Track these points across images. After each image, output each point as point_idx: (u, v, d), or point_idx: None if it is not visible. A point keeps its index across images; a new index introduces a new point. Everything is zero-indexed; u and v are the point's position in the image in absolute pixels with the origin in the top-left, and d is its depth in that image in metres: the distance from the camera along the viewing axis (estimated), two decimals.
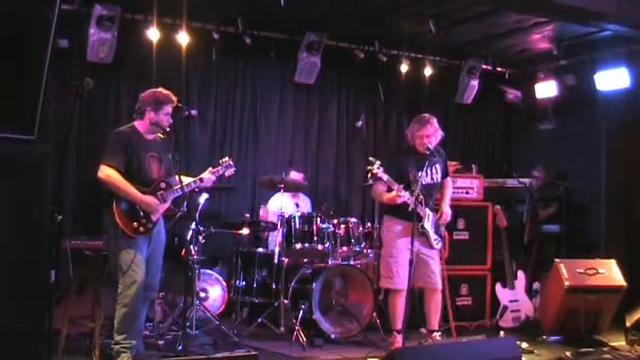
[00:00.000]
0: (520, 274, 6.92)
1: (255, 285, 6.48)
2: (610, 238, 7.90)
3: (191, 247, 5.83)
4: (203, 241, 6.15)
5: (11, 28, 3.31)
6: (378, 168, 5.17)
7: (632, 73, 7.58)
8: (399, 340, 5.39)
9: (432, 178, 5.63)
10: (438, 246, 5.67)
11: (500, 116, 9.42)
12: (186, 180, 5.03)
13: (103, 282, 5.18)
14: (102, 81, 6.92)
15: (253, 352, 5.08)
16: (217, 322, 6.00)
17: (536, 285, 7.14)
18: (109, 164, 4.68)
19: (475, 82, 8.62)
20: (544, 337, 6.31)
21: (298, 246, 6.29)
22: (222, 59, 7.58)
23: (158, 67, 6.88)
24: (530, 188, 7.70)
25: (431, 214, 5.61)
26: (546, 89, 8.45)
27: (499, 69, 8.82)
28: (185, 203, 5.01)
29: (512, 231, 7.18)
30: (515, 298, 6.80)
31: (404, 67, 8.15)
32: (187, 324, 5.51)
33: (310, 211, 7.10)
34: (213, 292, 6.70)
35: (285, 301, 6.21)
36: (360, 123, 7.57)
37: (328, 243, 6.32)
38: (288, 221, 6.38)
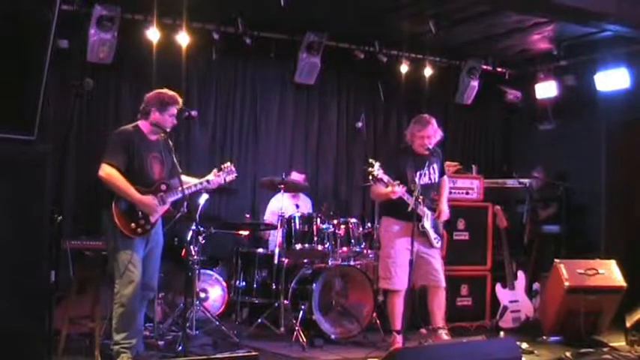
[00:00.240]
0: (520, 274, 6.92)
1: (255, 285, 6.48)
2: (610, 238, 7.90)
3: (191, 247, 5.82)
4: (203, 241, 6.14)
5: (11, 28, 3.31)
6: (378, 169, 5.17)
7: (632, 73, 7.59)
8: (398, 341, 5.39)
9: (429, 178, 5.63)
10: (438, 245, 5.68)
11: (500, 116, 9.43)
12: (191, 180, 5.04)
13: (102, 282, 5.17)
14: (102, 81, 6.93)
15: (253, 353, 5.08)
16: (217, 323, 6.00)
17: (536, 285, 7.13)
18: (110, 163, 4.68)
19: (475, 83, 8.62)
20: (544, 337, 6.31)
21: (298, 246, 6.29)
22: (222, 59, 7.58)
23: (158, 67, 6.88)
24: (530, 189, 7.70)
25: (430, 213, 5.61)
26: (546, 89, 8.45)
27: (499, 69, 8.82)
28: (185, 204, 5.00)
29: (512, 231, 7.17)
30: (515, 298, 6.79)
31: (404, 68, 8.16)
32: (187, 324, 5.50)
33: (311, 211, 7.10)
34: (213, 293, 6.70)
35: (285, 301, 6.21)
36: (360, 123, 7.56)
37: (328, 243, 6.31)
38: (288, 222, 6.38)
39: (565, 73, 8.28)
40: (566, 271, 6.19)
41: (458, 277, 6.84)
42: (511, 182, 7.76)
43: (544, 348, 5.96)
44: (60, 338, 4.97)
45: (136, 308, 4.73)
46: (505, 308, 6.70)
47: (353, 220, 6.64)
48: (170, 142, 4.90)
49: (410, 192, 5.34)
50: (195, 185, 5.06)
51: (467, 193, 7.07)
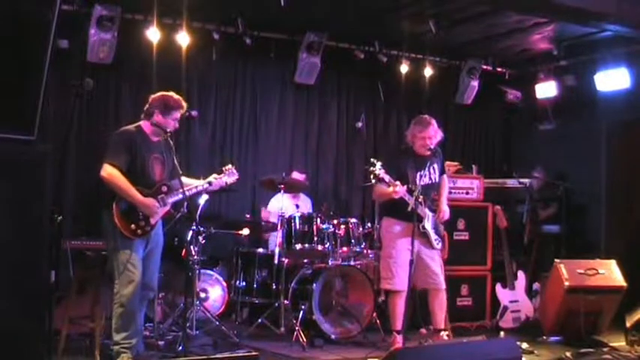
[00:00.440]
0: (520, 274, 6.92)
1: (255, 285, 6.48)
2: (610, 238, 7.90)
3: (191, 247, 5.81)
4: (203, 241, 6.14)
5: (11, 28, 3.31)
6: (380, 169, 5.17)
7: (632, 73, 7.58)
8: (399, 341, 5.39)
9: (430, 179, 5.63)
10: (439, 246, 5.67)
11: (500, 116, 9.43)
12: (193, 182, 5.04)
13: (102, 282, 5.17)
14: (102, 81, 6.92)
15: (253, 353, 5.09)
16: (217, 323, 6.00)
17: (536, 285, 7.14)
18: (112, 163, 4.67)
19: (475, 83, 8.62)
20: (544, 337, 6.31)
21: (298, 246, 6.29)
22: (222, 59, 7.57)
23: (158, 67, 6.89)
24: (530, 189, 7.70)
25: (430, 214, 5.61)
26: (546, 89, 8.45)
27: (499, 69, 8.82)
28: (185, 204, 5.01)
29: (512, 231, 7.17)
30: (515, 298, 6.79)
31: (404, 68, 8.15)
32: (187, 324, 5.50)
33: (311, 211, 7.09)
34: (214, 293, 6.70)
35: (286, 301, 6.21)
36: (360, 123, 7.57)
37: (328, 243, 6.31)
38: (288, 222, 6.38)
39: (565, 73, 8.28)
40: (566, 271, 6.19)
41: (458, 277, 6.84)
42: (511, 182, 7.75)
43: (544, 348, 5.96)
44: (60, 338, 4.97)
45: (135, 308, 4.73)
46: (505, 308, 6.70)
47: (353, 220, 6.64)
48: (171, 143, 4.91)
49: (411, 192, 5.34)
50: (197, 187, 5.07)
51: (467, 193, 7.07)
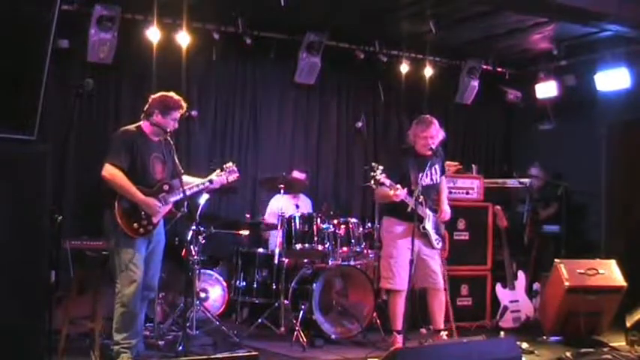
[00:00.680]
0: (520, 274, 6.93)
1: (255, 285, 6.48)
2: (610, 238, 7.90)
3: (191, 247, 5.82)
4: (203, 241, 6.14)
5: (12, 28, 3.32)
6: (381, 174, 5.17)
7: (632, 73, 7.58)
8: (399, 341, 5.39)
9: (431, 179, 5.63)
10: (439, 246, 5.67)
11: (500, 116, 9.43)
12: (194, 180, 5.04)
13: (103, 282, 5.17)
14: (102, 81, 6.91)
15: (253, 353, 5.08)
16: (217, 323, 6.00)
17: (536, 285, 7.13)
18: (113, 163, 4.68)
19: (475, 83, 8.62)
20: (544, 337, 6.31)
21: (298, 246, 6.29)
22: (222, 59, 7.57)
23: (158, 67, 6.89)
24: (530, 188, 7.71)
25: (431, 214, 5.61)
26: (546, 89, 8.44)
27: (499, 69, 8.82)
28: (185, 204, 5.01)
29: (512, 231, 7.18)
30: (515, 298, 6.80)
31: (404, 68, 8.15)
32: (187, 324, 5.49)
33: (311, 211, 7.09)
34: (214, 293, 6.70)
35: (286, 301, 6.21)
36: (360, 123, 7.57)
37: (328, 243, 6.31)
38: (288, 221, 6.38)
39: (565, 73, 8.28)
40: (566, 271, 6.19)
41: (458, 277, 6.84)
42: (511, 182, 7.75)
43: (544, 348, 5.96)
44: (60, 338, 4.97)
45: (137, 308, 4.73)
46: (505, 308, 6.71)
47: (353, 220, 6.63)
48: (172, 143, 4.91)
49: (411, 193, 5.34)
50: (198, 185, 5.08)
51: (467, 193, 7.07)
